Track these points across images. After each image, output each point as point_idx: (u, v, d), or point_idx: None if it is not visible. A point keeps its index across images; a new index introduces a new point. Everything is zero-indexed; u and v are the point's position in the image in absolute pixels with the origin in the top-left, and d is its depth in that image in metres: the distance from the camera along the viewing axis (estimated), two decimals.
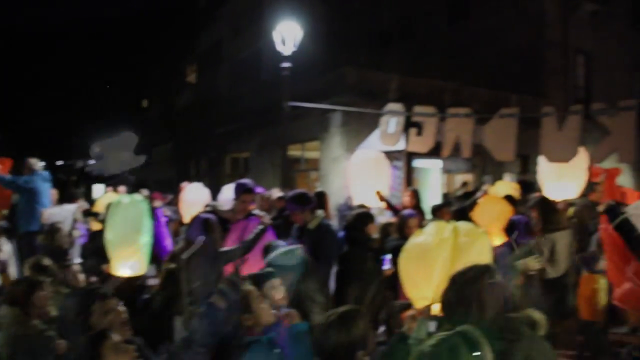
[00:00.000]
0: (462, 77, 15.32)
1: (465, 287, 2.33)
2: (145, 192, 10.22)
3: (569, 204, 8.28)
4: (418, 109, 6.39)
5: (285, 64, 10.84)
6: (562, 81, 18.49)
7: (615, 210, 4.19)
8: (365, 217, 5.40)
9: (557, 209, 6.37)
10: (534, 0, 18.23)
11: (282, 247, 4.73)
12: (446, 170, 14.42)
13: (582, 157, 6.43)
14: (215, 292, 3.29)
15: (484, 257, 3.65)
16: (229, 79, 25.19)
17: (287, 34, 11.15)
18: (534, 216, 5.85)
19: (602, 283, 6.03)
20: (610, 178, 10.19)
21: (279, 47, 11.06)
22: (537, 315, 2.37)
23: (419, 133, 6.30)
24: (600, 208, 4.37)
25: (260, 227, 5.31)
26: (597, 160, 5.40)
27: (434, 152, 6.83)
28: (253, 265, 5.12)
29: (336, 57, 15.40)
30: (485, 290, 2.29)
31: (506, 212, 6.43)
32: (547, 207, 6.00)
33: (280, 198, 8.09)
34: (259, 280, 3.66)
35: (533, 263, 4.30)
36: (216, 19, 27.54)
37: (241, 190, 6.03)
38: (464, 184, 11.83)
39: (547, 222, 5.75)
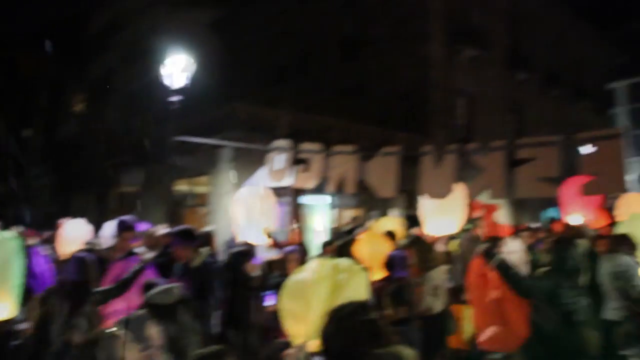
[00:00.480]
0: (352, 115, 15.74)
1: (341, 323, 2.34)
2: (18, 228, 9.60)
3: (450, 237, 8.65)
4: (304, 145, 6.48)
5: (175, 98, 10.68)
6: (445, 121, 19.48)
7: (490, 252, 4.42)
8: (242, 255, 5.34)
9: (432, 248, 6.64)
10: (420, 44, 19.19)
11: (161, 285, 4.57)
12: (335, 206, 14.64)
13: (460, 194, 6.72)
14: (70, 328, 3.11)
15: (361, 292, 3.73)
16: (119, 111, 24.47)
17: (178, 67, 11.02)
18: (409, 255, 6.06)
19: (468, 313, 6.33)
20: (488, 213, 10.76)
21: (169, 81, 10.90)
22: (406, 352, 2.41)
23: (306, 169, 6.37)
24: (479, 250, 4.58)
25: (139, 265, 5.12)
26: (471, 196, 5.68)
27: (321, 188, 6.93)
28: (131, 304, 4.92)
29: (229, 91, 15.39)
30: (361, 326, 2.30)
31: (385, 247, 6.62)
32: (421, 246, 6.24)
33: (166, 234, 7.86)
34: (131, 322, 3.49)
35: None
36: (107, 48, 26.79)
37: (122, 228, 5.82)
38: (354, 218, 12.05)
39: (422, 261, 6.00)
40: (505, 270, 4.36)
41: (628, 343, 4.97)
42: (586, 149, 5.32)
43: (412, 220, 9.58)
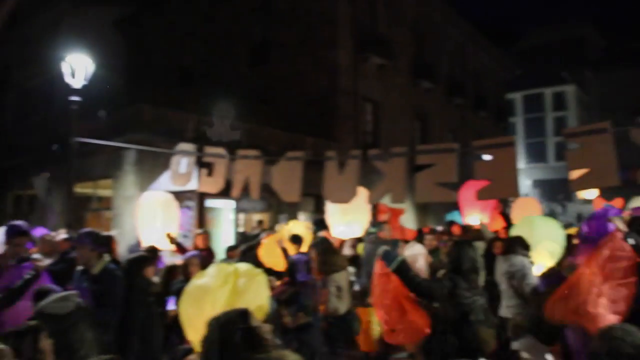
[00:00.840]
0: (261, 119, 15.73)
1: (219, 331, 2.34)
2: None
3: (357, 240, 8.82)
4: (209, 149, 6.39)
5: (75, 98, 10.28)
6: (353, 126, 19.83)
7: (390, 255, 4.53)
8: (140, 261, 5.21)
9: (336, 251, 6.74)
10: (328, 51, 19.45)
11: (56, 293, 4.36)
12: (242, 210, 14.58)
13: (364, 198, 6.89)
14: None
15: (261, 297, 3.74)
16: (16, 109, 23.22)
17: (78, 66, 10.60)
18: (313, 257, 6.14)
19: (374, 315, 6.49)
20: (394, 217, 11.06)
21: (69, 80, 10.47)
22: (291, 357, 2.43)
23: (210, 174, 6.29)
24: (379, 252, 4.69)
25: (32, 272, 4.86)
26: (373, 200, 5.81)
27: (227, 192, 6.87)
28: (22, 315, 4.67)
29: (134, 93, 14.95)
30: (239, 334, 2.31)
31: (289, 251, 6.69)
32: (325, 249, 6.33)
33: (65, 240, 7.54)
34: (19, 335, 3.29)
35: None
36: (4, 42, 25.36)
37: (12, 233, 5.49)
38: (260, 222, 12.07)
39: (325, 264, 6.09)
40: (404, 272, 4.49)
41: (517, 335, 5.25)
42: (483, 156, 5.57)
43: (321, 224, 9.72)
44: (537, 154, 56.11)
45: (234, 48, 21.41)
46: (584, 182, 4.72)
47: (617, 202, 12.96)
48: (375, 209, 12.01)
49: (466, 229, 10.19)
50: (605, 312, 4.54)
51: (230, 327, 2.34)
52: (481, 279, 7.67)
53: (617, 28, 65.25)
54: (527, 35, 64.32)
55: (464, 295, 4.52)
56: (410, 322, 4.76)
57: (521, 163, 54.82)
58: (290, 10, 20.25)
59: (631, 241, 4.82)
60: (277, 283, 6.04)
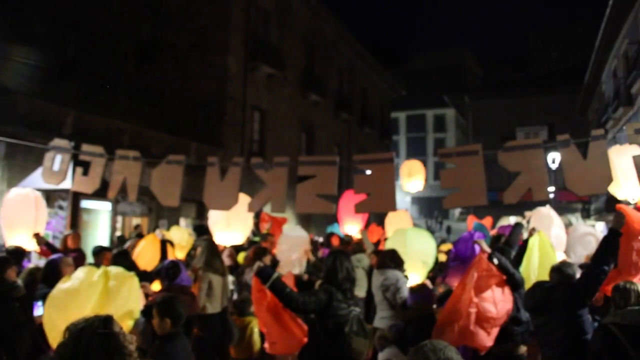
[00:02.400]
0: (145, 120, 15.28)
1: (72, 338, 2.25)
2: None
3: (238, 249, 8.78)
4: (86, 147, 6.11)
5: None
6: (240, 134, 19.73)
7: (266, 272, 4.53)
8: (1, 263, 4.89)
9: (219, 255, 6.74)
10: (219, 56, 19.27)
11: None
12: (121, 213, 14.07)
13: (245, 207, 6.89)
14: None
15: (133, 299, 3.65)
16: None
17: None
18: (196, 253, 6.16)
19: (254, 325, 6.51)
20: (276, 226, 11.12)
21: None
22: None
23: (85, 173, 6.01)
24: (254, 268, 4.68)
25: None
26: (252, 209, 5.81)
27: (104, 193, 6.61)
28: None
29: (6, 82, 13.99)
30: (96, 340, 2.23)
31: (166, 256, 6.60)
32: (211, 249, 6.39)
33: None
34: None
35: None
36: None
37: None
38: (137, 226, 11.71)
39: (207, 263, 6.11)
40: (278, 290, 4.50)
41: (382, 346, 5.45)
42: (364, 170, 5.73)
43: (202, 230, 9.61)
44: None
45: (120, 45, 20.65)
46: (456, 200, 5.00)
47: (487, 221, 13.90)
48: (258, 218, 12.04)
49: (345, 240, 10.44)
50: (483, 330, 4.89)
51: (88, 333, 2.24)
52: (363, 289, 7.92)
53: (492, 60, 70.09)
54: (414, 59, 67.31)
55: (339, 307, 4.59)
56: (288, 333, 4.80)
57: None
58: (182, 11, 19.88)
59: (495, 261, 5.16)
60: (152, 290, 5.87)
